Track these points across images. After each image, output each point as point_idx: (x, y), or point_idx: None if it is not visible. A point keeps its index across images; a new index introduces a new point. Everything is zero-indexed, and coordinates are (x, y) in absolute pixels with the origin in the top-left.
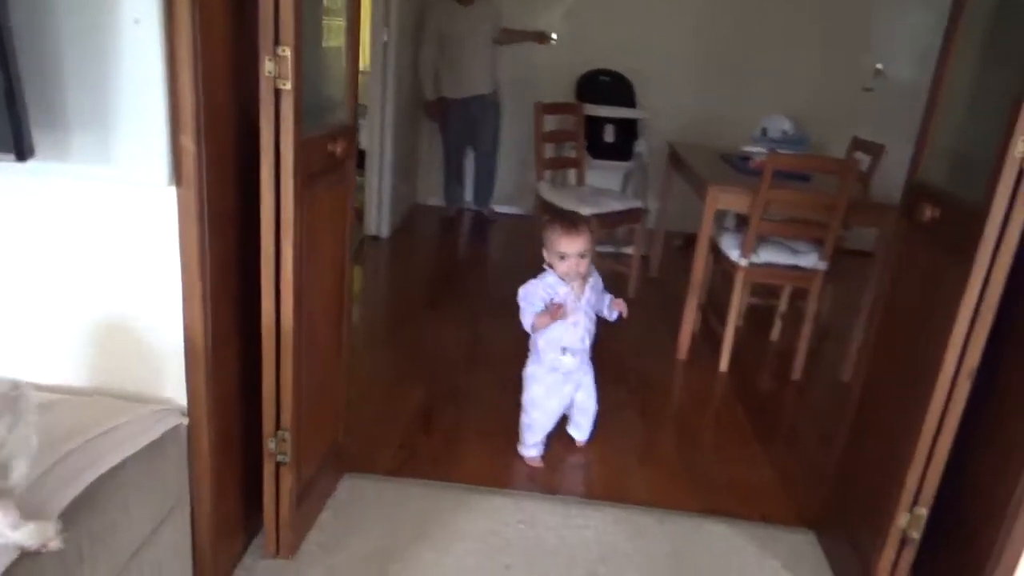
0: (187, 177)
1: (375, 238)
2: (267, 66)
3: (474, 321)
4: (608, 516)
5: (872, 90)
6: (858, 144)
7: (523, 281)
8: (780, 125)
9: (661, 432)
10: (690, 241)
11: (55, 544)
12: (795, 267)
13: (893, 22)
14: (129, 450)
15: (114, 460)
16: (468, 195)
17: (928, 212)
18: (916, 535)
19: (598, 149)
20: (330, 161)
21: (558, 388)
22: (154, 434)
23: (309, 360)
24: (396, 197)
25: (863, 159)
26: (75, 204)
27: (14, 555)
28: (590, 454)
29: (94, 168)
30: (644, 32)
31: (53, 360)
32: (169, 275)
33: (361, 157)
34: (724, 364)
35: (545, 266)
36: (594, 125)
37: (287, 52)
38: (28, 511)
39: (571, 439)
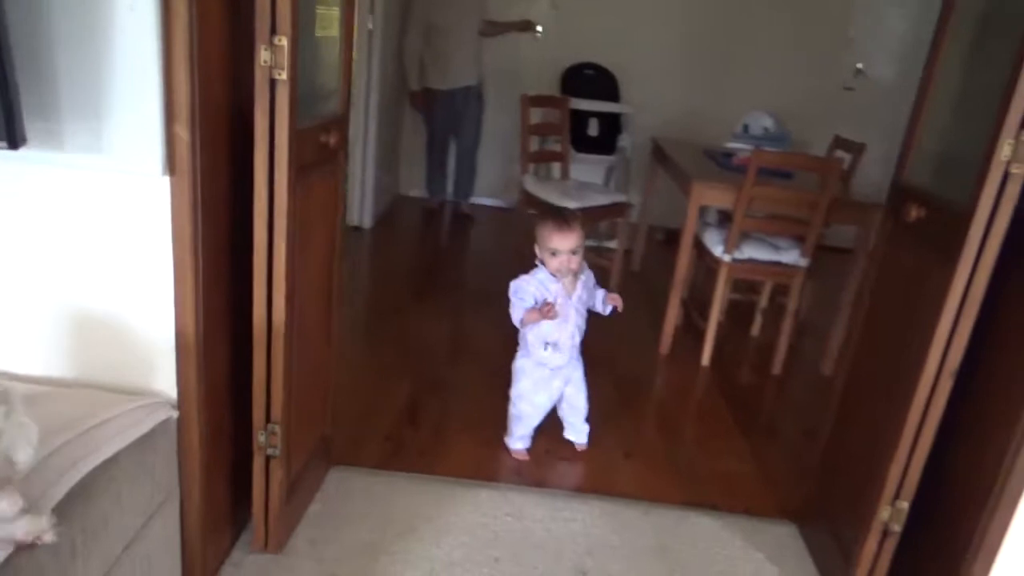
0: (181, 166)
1: (357, 229)
2: (263, 55)
3: (458, 313)
4: (595, 509)
5: (853, 89)
6: (839, 143)
7: (506, 273)
8: (762, 122)
9: (645, 425)
10: (672, 236)
11: (49, 537)
12: (777, 263)
13: (874, 22)
14: (121, 443)
15: (107, 453)
16: (451, 187)
17: (914, 212)
18: (897, 528)
19: (581, 143)
20: (323, 152)
21: (546, 383)
22: (145, 427)
23: (299, 352)
24: (379, 188)
25: (844, 157)
26: (67, 193)
27: (9, 549)
28: (576, 447)
29: (87, 156)
30: (629, 27)
31: (41, 351)
32: (161, 265)
33: None
34: (706, 358)
35: (537, 262)
36: (578, 119)
37: (283, 42)
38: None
39: (567, 442)
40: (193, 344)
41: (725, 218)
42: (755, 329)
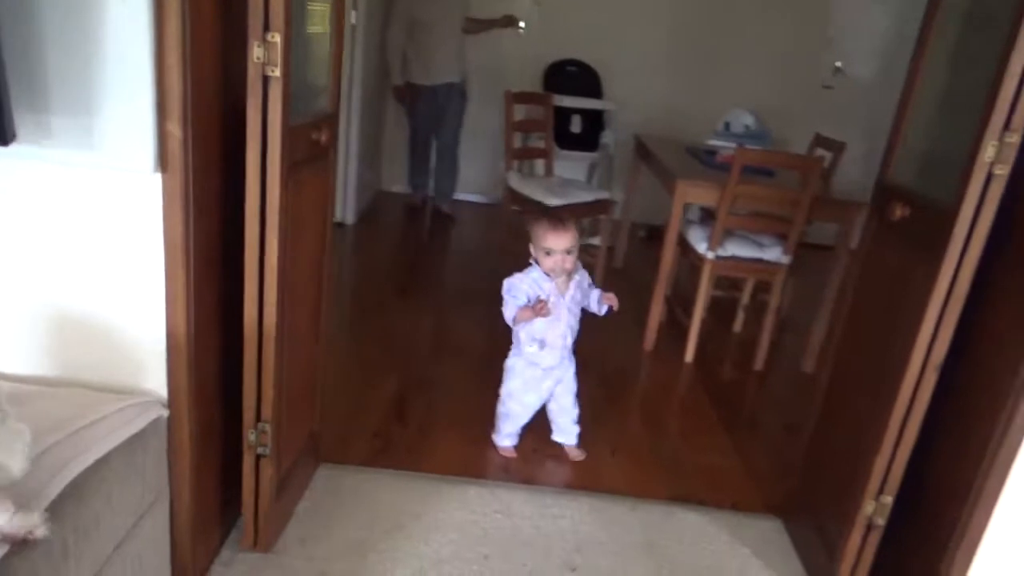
0: (173, 163)
1: (340, 225)
2: (256, 52)
3: (443, 310)
4: (583, 505)
5: (832, 88)
6: (820, 141)
7: (490, 270)
8: (743, 120)
9: (630, 421)
10: (654, 232)
11: (41, 532)
12: (760, 260)
13: (852, 21)
14: (112, 442)
15: (99, 453)
16: (433, 184)
17: (898, 211)
18: (881, 521)
19: (564, 139)
20: (315, 149)
21: (537, 383)
22: (136, 426)
23: (290, 350)
24: (362, 184)
25: (825, 155)
26: (57, 190)
27: (3, 549)
28: (565, 450)
29: (78, 153)
30: (611, 23)
31: (30, 349)
32: (152, 262)
33: None
34: (690, 355)
35: (531, 260)
36: (561, 115)
37: (276, 38)
38: (15, 503)
39: (555, 441)
40: (184, 343)
41: (708, 215)
42: (737, 326)
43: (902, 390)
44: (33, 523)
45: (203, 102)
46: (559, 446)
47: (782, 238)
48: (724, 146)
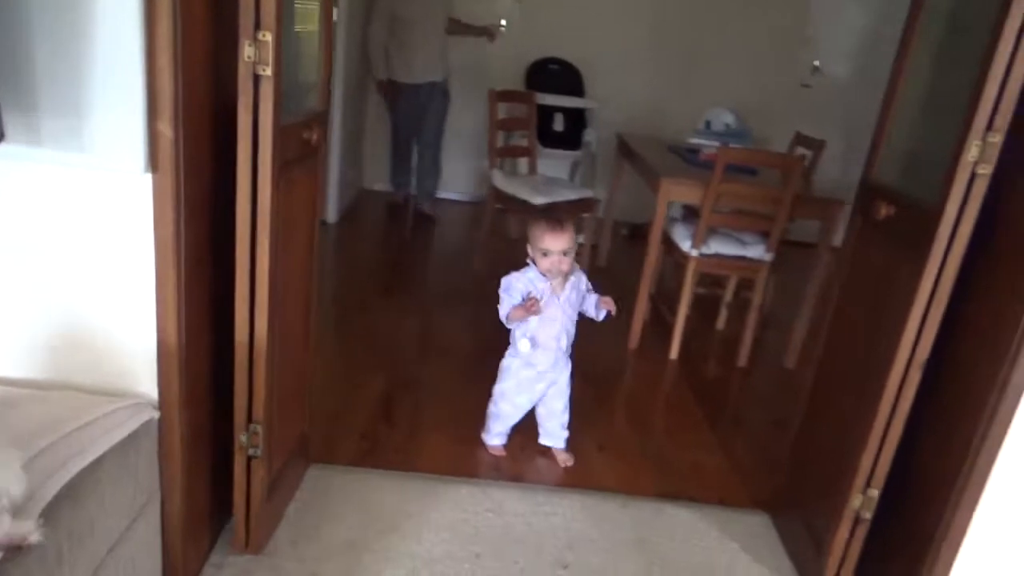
0: (163, 164)
1: (323, 223)
2: (247, 51)
3: (428, 309)
4: (574, 503)
5: (810, 86)
6: (800, 139)
7: (473, 269)
8: (723, 118)
9: (618, 420)
10: (636, 230)
11: (35, 538)
12: (743, 258)
13: (830, 20)
14: (105, 445)
15: (92, 456)
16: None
17: (883, 210)
18: (868, 515)
19: (547, 138)
20: (305, 148)
21: (530, 385)
22: (128, 429)
23: (280, 351)
24: (344, 182)
25: (805, 154)
26: (46, 190)
27: None
28: (554, 454)
29: (68, 153)
30: (593, 22)
31: (18, 352)
32: (142, 264)
33: None
34: (674, 352)
35: (528, 260)
36: (543, 114)
37: (268, 37)
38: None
39: (543, 443)
40: (175, 344)
41: (690, 213)
42: (720, 323)
43: (888, 387)
44: (28, 529)
45: (194, 101)
46: (546, 446)
47: (764, 236)
48: (706, 144)
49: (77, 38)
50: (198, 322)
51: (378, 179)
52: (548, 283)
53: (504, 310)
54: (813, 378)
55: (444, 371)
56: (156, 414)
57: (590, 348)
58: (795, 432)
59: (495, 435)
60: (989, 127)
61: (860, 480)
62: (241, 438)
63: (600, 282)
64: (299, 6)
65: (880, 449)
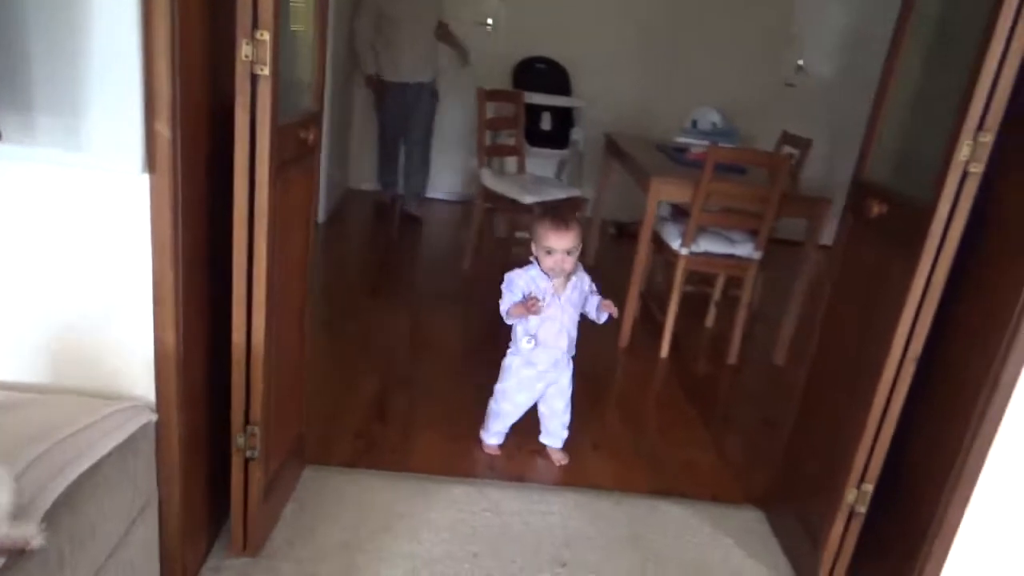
0: (161, 164)
1: None
2: (244, 50)
3: (418, 309)
4: (569, 501)
5: (794, 86)
6: (787, 138)
7: (462, 268)
8: (710, 117)
9: (610, 418)
10: (623, 229)
11: (37, 542)
12: (732, 256)
13: (814, 19)
14: (104, 448)
15: (92, 459)
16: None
17: (875, 208)
18: (863, 509)
19: (534, 137)
20: (302, 148)
21: (530, 383)
22: (126, 432)
23: (276, 351)
24: (331, 182)
25: (793, 153)
26: (42, 191)
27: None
28: (550, 453)
29: (64, 153)
30: (579, 21)
31: (15, 355)
32: (140, 265)
33: None
34: (665, 350)
35: (532, 258)
36: (530, 112)
37: (266, 36)
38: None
39: (539, 437)
40: (172, 346)
41: (678, 212)
42: (709, 321)
43: (882, 382)
44: (29, 533)
45: (191, 101)
46: (543, 444)
47: (753, 234)
48: (693, 143)
49: (74, 36)
50: (195, 323)
51: (364, 179)
52: (550, 282)
53: (504, 306)
54: (806, 375)
55: (435, 370)
56: (154, 417)
57: (581, 347)
58: (789, 428)
59: (493, 434)
60: (980, 126)
61: (854, 475)
62: (238, 440)
63: None
64: (293, 4)
65: (874, 444)
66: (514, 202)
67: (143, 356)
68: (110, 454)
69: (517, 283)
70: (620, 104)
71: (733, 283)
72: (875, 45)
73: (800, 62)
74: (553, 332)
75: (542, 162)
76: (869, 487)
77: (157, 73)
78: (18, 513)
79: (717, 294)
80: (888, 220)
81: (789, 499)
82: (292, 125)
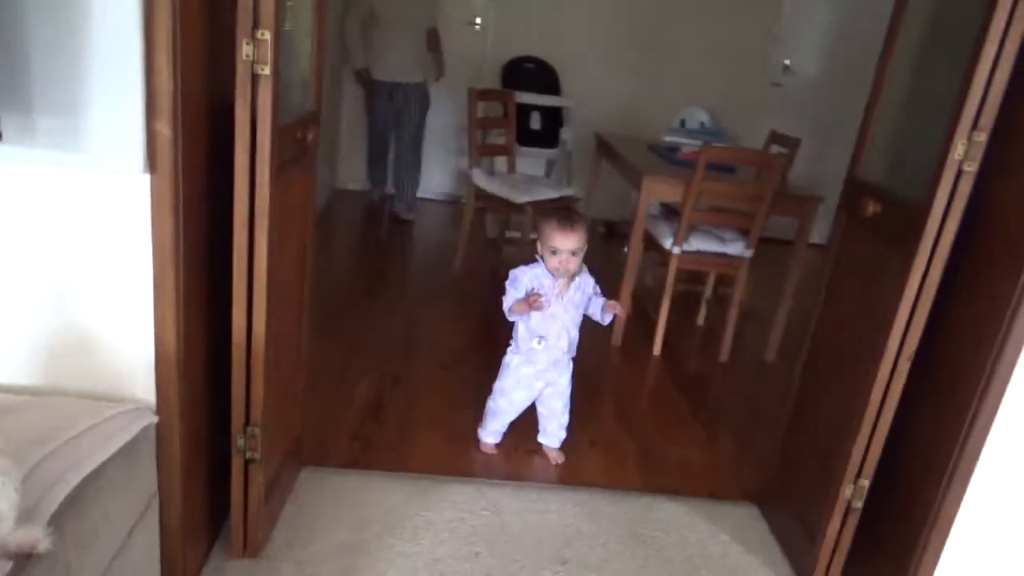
0: (162, 165)
1: None
2: (245, 50)
3: (410, 309)
4: (567, 499)
5: (781, 85)
6: (775, 137)
7: (454, 268)
8: (698, 117)
9: (605, 416)
10: (613, 228)
11: (44, 546)
12: (723, 255)
13: (799, 19)
14: (107, 451)
15: (95, 462)
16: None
17: (870, 207)
18: (859, 504)
19: (523, 136)
20: (301, 148)
21: (529, 382)
22: (129, 434)
23: (276, 352)
24: (320, 182)
25: (781, 152)
26: (43, 191)
27: (6, 567)
28: (546, 452)
29: (64, 154)
30: (568, 21)
31: (15, 358)
32: (140, 266)
33: None
34: (657, 348)
35: (537, 256)
36: (520, 112)
37: (267, 36)
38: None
39: (536, 436)
40: (173, 348)
41: (669, 211)
42: (700, 319)
43: (878, 379)
44: (36, 537)
45: (191, 100)
46: (539, 443)
47: (744, 233)
48: (683, 143)
49: (75, 36)
50: (195, 324)
51: (352, 178)
52: (554, 281)
53: (507, 302)
54: (801, 371)
55: (430, 370)
56: (155, 419)
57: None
58: (784, 424)
59: (491, 432)
60: (975, 126)
61: (851, 470)
62: (238, 441)
63: None
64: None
65: (870, 440)
66: (507, 202)
67: (143, 357)
68: (113, 457)
69: (522, 280)
70: (609, 104)
71: (723, 281)
72: (860, 44)
73: (787, 62)
74: (554, 331)
75: (531, 161)
76: (865, 482)
77: (158, 72)
78: (23, 517)
79: (708, 292)
80: (883, 219)
81: (785, 495)
82: (292, 125)
